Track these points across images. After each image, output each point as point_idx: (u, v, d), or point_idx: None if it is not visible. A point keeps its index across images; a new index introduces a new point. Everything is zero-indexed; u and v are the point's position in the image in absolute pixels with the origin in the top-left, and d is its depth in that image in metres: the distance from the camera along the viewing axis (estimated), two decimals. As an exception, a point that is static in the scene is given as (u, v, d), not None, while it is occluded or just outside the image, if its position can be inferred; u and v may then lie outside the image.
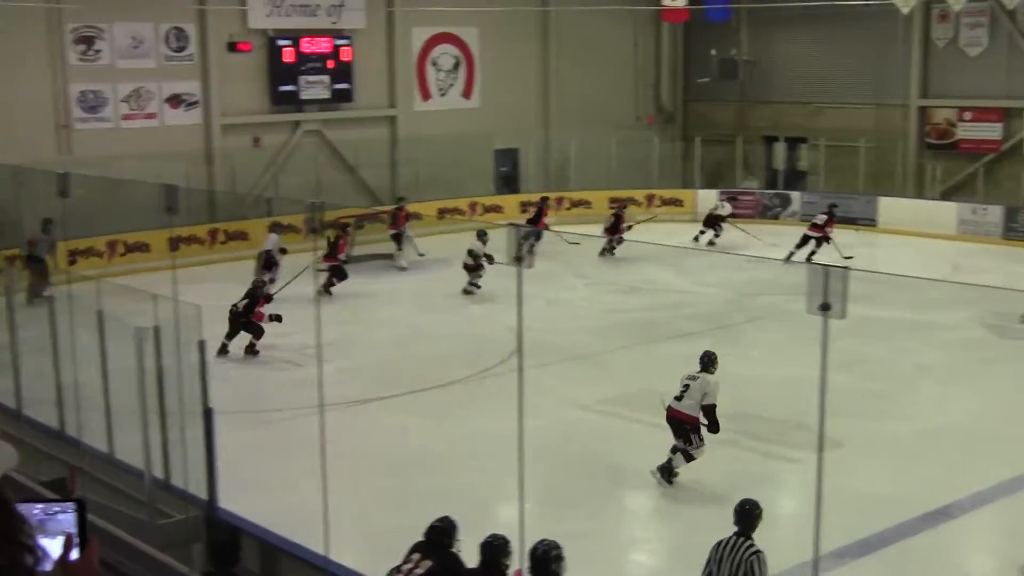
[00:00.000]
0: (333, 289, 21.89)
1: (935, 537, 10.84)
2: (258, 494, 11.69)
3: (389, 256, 25.36)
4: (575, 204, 32.34)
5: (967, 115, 32.14)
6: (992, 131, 31.66)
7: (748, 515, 8.48)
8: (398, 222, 25.11)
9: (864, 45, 33.70)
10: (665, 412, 12.27)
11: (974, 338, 18.22)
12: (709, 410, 12.11)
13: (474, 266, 21.69)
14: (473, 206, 30.83)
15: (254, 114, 28.57)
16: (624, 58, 35.68)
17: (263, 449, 13.53)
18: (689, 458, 12.28)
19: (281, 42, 28.41)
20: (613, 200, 29.60)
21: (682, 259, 25.70)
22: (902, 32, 32.64)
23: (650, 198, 32.45)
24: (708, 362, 12.43)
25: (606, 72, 34.78)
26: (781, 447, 13.27)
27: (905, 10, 30.62)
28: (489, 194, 32.01)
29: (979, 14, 31.32)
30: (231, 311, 17.80)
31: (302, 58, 28.68)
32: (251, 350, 17.98)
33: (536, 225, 25.68)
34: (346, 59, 29.42)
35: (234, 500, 10.34)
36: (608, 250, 26.29)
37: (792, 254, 25.35)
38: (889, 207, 30.74)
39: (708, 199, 31.81)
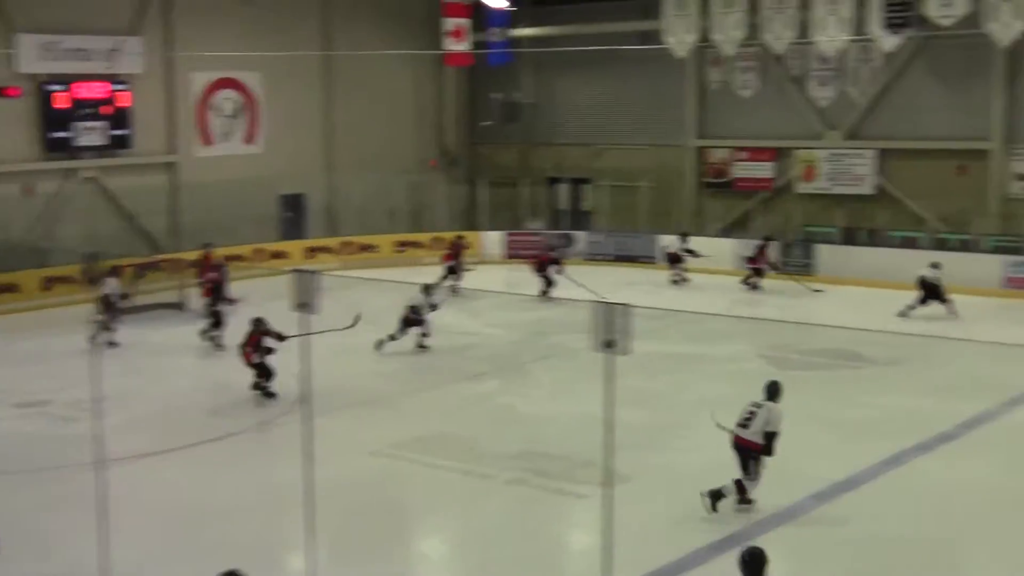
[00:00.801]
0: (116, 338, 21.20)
1: (724, 564, 11.01)
2: (34, 554, 11.17)
3: (174, 305, 24.68)
4: (362, 248, 32.12)
5: (742, 155, 33.20)
6: (765, 170, 32.79)
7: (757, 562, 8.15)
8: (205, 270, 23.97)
9: (643, 88, 34.60)
10: (731, 438, 12.48)
11: (754, 369, 18.71)
12: (770, 436, 12.29)
13: (415, 320, 21.00)
14: (258, 252, 30.37)
15: (24, 161, 27.47)
16: (408, 102, 35.80)
17: (39, 508, 12.92)
18: (743, 499, 12.33)
19: (53, 87, 27.45)
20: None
21: (470, 301, 25.80)
22: (678, 75, 33.59)
23: (436, 241, 32.46)
24: (774, 391, 12.64)
25: (391, 116, 34.82)
26: (570, 483, 13.34)
27: (681, 54, 31.58)
28: (274, 240, 31.54)
29: (750, 58, 32.42)
30: None
31: (77, 104, 27.77)
32: None
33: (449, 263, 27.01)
34: (123, 104, 28.62)
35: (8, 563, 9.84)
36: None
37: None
38: (667, 245, 31.42)
39: (494, 240, 32.11)
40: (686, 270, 28.94)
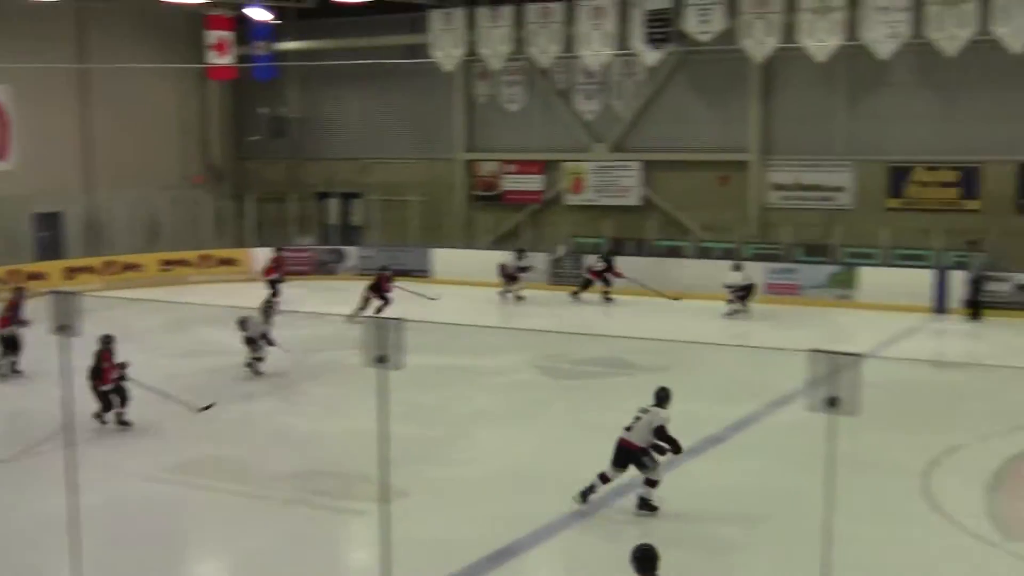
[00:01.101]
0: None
1: (503, 575, 11.02)
2: None
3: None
4: (126, 268, 31.10)
5: (511, 168, 33.53)
6: (534, 183, 33.19)
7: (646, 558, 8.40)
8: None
9: (412, 102, 34.62)
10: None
11: (527, 380, 18.84)
12: (661, 431, 12.56)
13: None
14: (12, 274, 29.03)
15: None
16: (171, 116, 34.99)
17: None
18: (653, 482, 12.59)
19: None
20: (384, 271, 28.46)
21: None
22: (447, 89, 33.72)
23: (204, 258, 31.74)
24: (663, 397, 12.84)
25: (153, 131, 33.98)
26: (348, 501, 13.13)
27: (448, 68, 31.70)
28: (29, 261, 30.18)
29: (516, 72, 32.82)
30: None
31: None
32: None
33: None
34: None
35: None
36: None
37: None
38: (442, 258, 31.57)
39: (264, 257, 31.54)
40: (521, 288, 28.43)
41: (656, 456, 12.66)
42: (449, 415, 17.08)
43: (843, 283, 27.04)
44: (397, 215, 33.30)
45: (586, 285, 28.06)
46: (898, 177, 28.77)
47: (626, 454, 12.70)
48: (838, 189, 29.49)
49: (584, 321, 25.19)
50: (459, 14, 31.13)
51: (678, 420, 16.39)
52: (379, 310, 24.03)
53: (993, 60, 26.06)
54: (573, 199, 32.71)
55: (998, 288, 25.57)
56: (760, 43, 27.56)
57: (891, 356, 21.05)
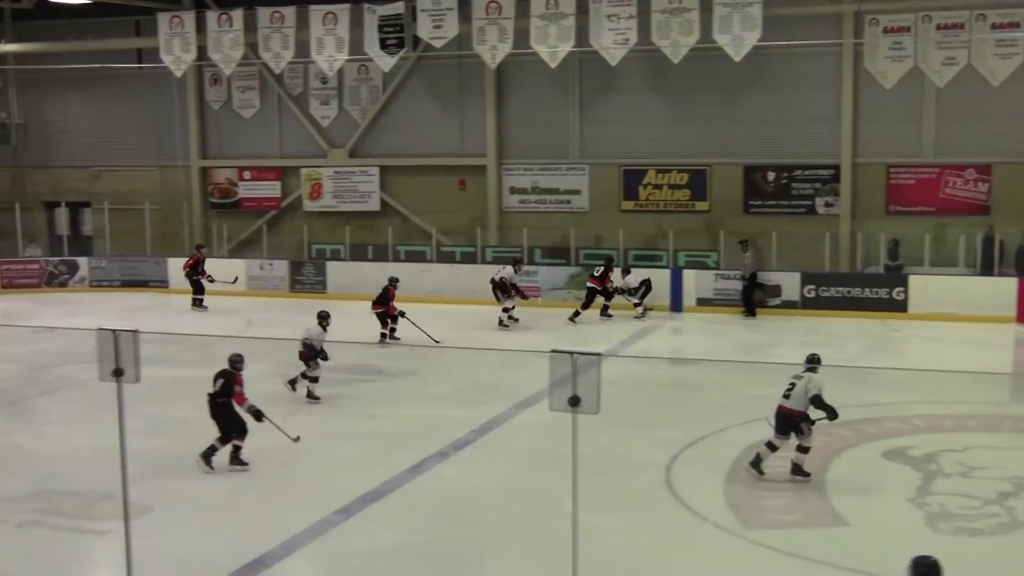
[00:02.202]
0: None
1: (253, 589, 10.80)
2: None
3: None
4: None
5: (247, 174, 33.00)
6: (272, 189, 32.76)
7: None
8: None
9: (143, 107, 33.69)
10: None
11: (273, 390, 18.51)
12: (817, 399, 13.09)
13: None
14: None
15: None
16: None
17: None
18: (805, 449, 13.42)
19: None
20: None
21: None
22: (178, 95, 32.92)
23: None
24: (815, 361, 13.60)
25: None
26: (89, 520, 12.59)
27: (178, 73, 30.93)
28: None
29: (249, 77, 32.36)
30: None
31: None
32: None
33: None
34: None
35: None
36: None
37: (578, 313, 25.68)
38: (179, 267, 30.69)
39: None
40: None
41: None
42: (193, 428, 16.59)
43: (582, 284, 27.60)
44: (131, 224, 32.25)
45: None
46: (631, 179, 29.66)
47: (787, 420, 13.27)
48: (574, 192, 30.18)
49: (331, 328, 24.89)
50: (188, 17, 30.37)
51: (425, 425, 16.53)
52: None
53: (717, 67, 27.11)
54: (312, 205, 32.43)
55: (729, 285, 26.60)
56: (493, 49, 27.87)
57: (630, 355, 21.63)
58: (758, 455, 13.62)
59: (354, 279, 28.96)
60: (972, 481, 13.39)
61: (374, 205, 31.76)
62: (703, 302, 26.62)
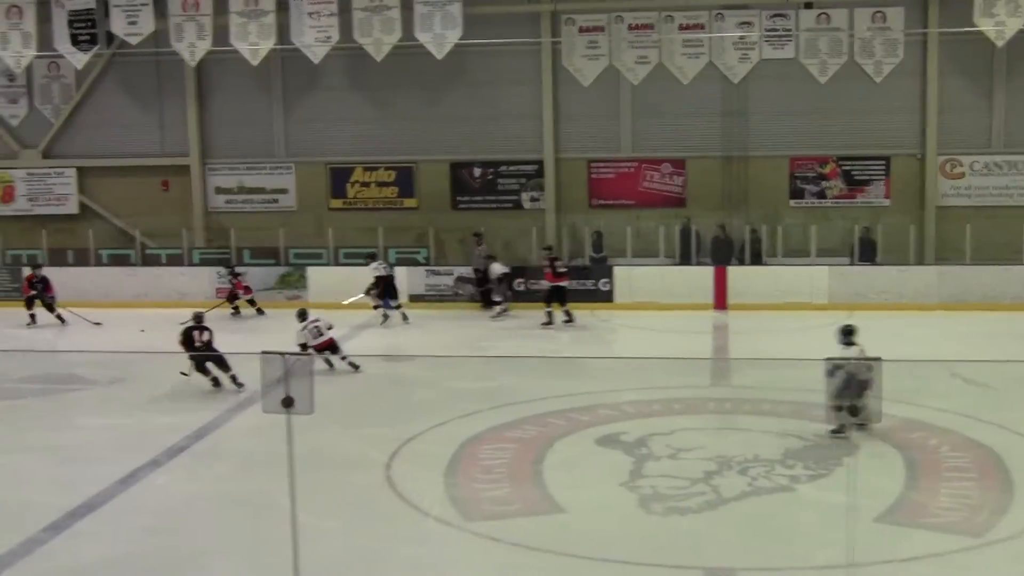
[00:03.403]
0: None
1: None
2: None
3: None
4: None
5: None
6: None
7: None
8: None
9: None
10: None
11: None
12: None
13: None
14: None
15: None
16: None
17: None
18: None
19: None
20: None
21: None
22: None
23: None
24: (850, 332, 14.68)
25: None
26: None
27: None
28: None
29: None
30: None
31: None
32: None
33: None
34: None
35: None
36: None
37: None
38: None
39: None
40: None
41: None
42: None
43: (293, 284, 27.33)
44: None
45: None
46: (339, 178, 29.53)
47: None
48: (281, 191, 29.82)
49: (30, 338, 23.77)
50: None
51: (135, 434, 15.98)
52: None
53: (420, 65, 27.26)
54: (4, 209, 30.89)
55: (440, 281, 26.84)
56: (192, 46, 27.22)
57: (343, 353, 21.52)
58: (842, 425, 14.48)
59: (56, 286, 27.73)
60: (680, 462, 13.90)
61: (72, 208, 30.52)
62: (416, 298, 26.73)
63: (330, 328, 19.59)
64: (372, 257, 25.56)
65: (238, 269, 26.78)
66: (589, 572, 10.84)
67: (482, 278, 26.46)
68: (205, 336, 18.25)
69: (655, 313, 25.35)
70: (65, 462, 14.75)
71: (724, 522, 11.99)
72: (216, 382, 18.10)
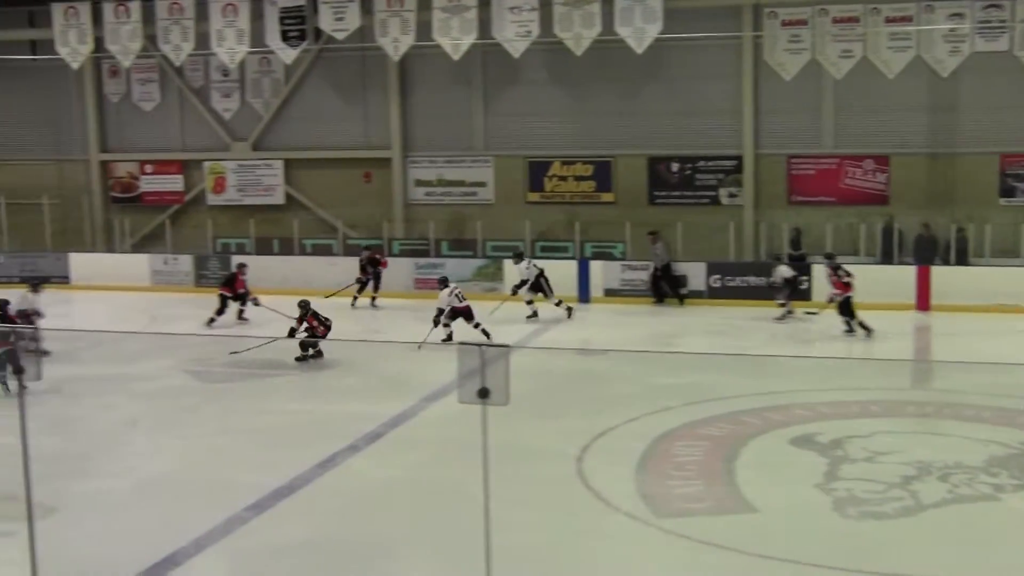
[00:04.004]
0: None
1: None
2: None
3: None
4: None
5: (148, 168, 32.52)
6: (174, 183, 32.33)
7: None
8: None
9: (39, 100, 33.08)
10: None
11: (177, 385, 18.28)
12: None
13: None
14: None
15: None
16: None
17: None
18: None
19: None
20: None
21: None
22: (75, 87, 32.37)
23: None
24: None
25: None
26: (-9, 522, 12.34)
27: (75, 65, 30.35)
28: None
29: (149, 70, 31.92)
30: None
31: None
32: None
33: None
34: None
35: None
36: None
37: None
38: (81, 263, 30.26)
39: None
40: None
41: None
42: (96, 426, 16.36)
43: (489, 276, 27.63)
44: (29, 219, 31.61)
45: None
46: (536, 171, 29.72)
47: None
48: (480, 184, 30.17)
49: (230, 323, 24.57)
50: (84, 8, 29.76)
51: (335, 419, 16.43)
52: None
53: (619, 59, 27.24)
54: (215, 199, 32.05)
55: (636, 276, 26.79)
56: (396, 41, 27.74)
57: (539, 346, 21.70)
58: None
59: (260, 273, 28.66)
60: (877, 466, 13.61)
61: (279, 199, 31.48)
62: (611, 292, 26.75)
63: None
64: (520, 256, 25.53)
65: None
66: (779, 573, 10.71)
67: (659, 276, 26.35)
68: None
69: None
70: (268, 445, 15.27)
71: (922, 529, 11.70)
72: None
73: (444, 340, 20.51)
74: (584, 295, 26.59)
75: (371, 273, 26.52)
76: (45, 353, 16.44)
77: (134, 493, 13.36)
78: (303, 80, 31.09)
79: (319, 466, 14.00)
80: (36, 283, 19.22)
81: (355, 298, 26.34)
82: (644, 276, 26.71)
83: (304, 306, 20.08)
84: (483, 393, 9.10)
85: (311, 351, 20.11)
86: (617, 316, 25.26)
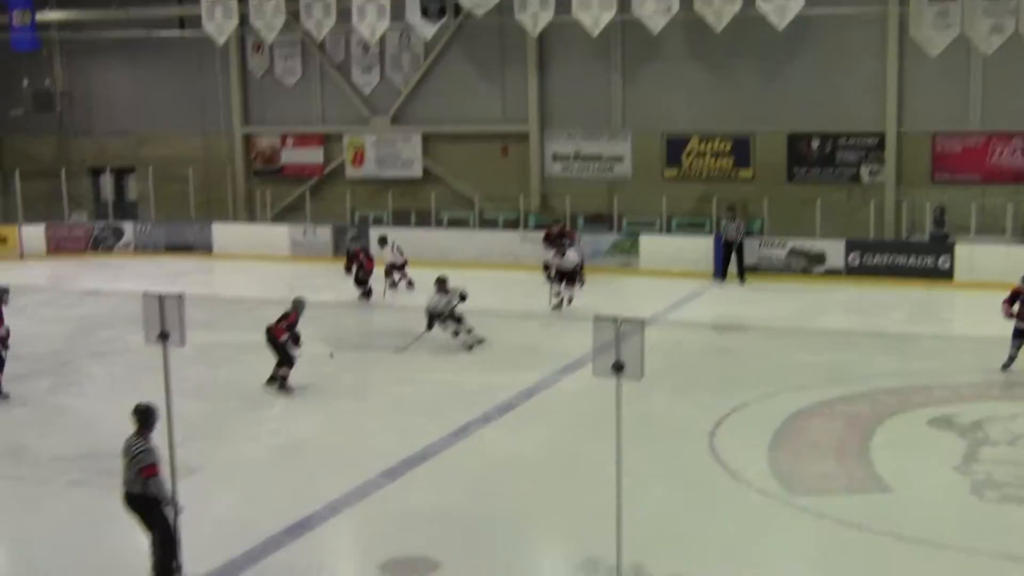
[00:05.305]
0: None
1: (299, 548, 10.86)
2: None
3: None
4: None
5: (290, 141, 33.07)
6: (314, 156, 32.83)
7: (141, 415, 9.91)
8: None
9: (184, 74, 33.79)
10: None
11: (316, 353, 18.60)
12: None
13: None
14: None
15: None
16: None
17: None
18: None
19: None
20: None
21: (11, 299, 24.18)
22: (220, 62, 33.04)
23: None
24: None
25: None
26: (135, 482, 12.72)
27: (220, 41, 30.95)
28: None
29: (291, 45, 32.40)
30: None
31: None
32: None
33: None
34: None
35: None
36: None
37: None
38: (223, 233, 30.98)
39: (34, 235, 30.55)
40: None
41: None
42: (238, 390, 16.75)
43: (625, 251, 27.56)
44: (175, 190, 32.45)
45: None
46: (674, 147, 29.50)
47: None
48: (617, 159, 30.07)
49: (377, 295, 24.89)
50: (230, -15, 30.35)
51: (469, 389, 16.58)
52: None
53: (760, 35, 26.85)
54: (354, 172, 32.48)
55: (773, 253, 26.49)
56: (535, 16, 27.70)
57: (674, 321, 21.60)
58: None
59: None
60: (1019, 449, 13.31)
61: (416, 172, 31.78)
62: (749, 269, 26.38)
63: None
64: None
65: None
66: (913, 554, 10.54)
67: (730, 251, 26.15)
68: None
69: (998, 294, 24.14)
70: (403, 413, 15.48)
71: (1065, 515, 11.41)
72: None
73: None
74: (720, 271, 26.34)
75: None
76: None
77: (273, 456, 13.67)
78: (442, 55, 31.29)
79: (452, 435, 14.16)
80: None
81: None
82: (781, 253, 26.39)
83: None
84: (617, 367, 9.10)
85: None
86: (753, 292, 25.00)
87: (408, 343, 19.17)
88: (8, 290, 16.91)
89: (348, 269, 24.58)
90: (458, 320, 19.30)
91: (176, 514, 9.87)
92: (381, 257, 25.07)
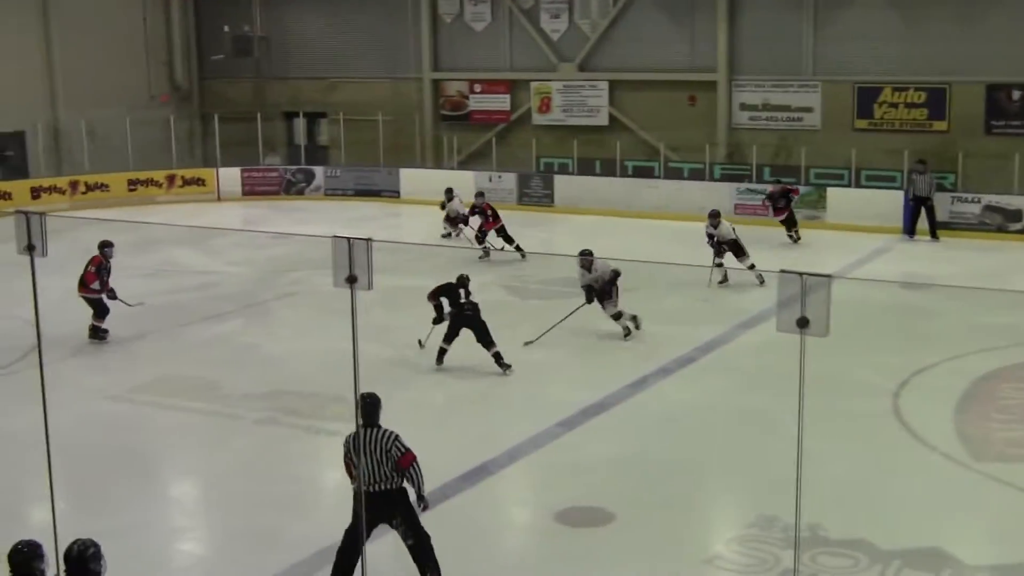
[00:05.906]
0: None
1: (477, 494, 11.06)
2: None
3: None
4: (91, 188, 30.76)
5: (477, 87, 33.29)
6: (501, 102, 32.99)
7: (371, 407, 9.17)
8: None
9: (376, 20, 34.26)
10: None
11: (495, 300, 18.80)
12: None
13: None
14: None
15: None
16: (134, 34, 34.38)
17: None
18: None
19: None
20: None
21: (206, 239, 25.09)
22: (411, 7, 33.39)
23: (171, 179, 31.57)
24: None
25: (116, 48, 33.40)
26: (321, 421, 13.13)
27: (412, -15, 31.26)
28: (-7, 180, 29.88)
29: (481, -9, 32.57)
30: None
31: None
32: None
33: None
34: None
35: None
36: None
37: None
38: (410, 178, 31.47)
39: (230, 177, 31.48)
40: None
41: None
42: (419, 336, 17.03)
43: (812, 204, 27.05)
44: (364, 135, 33.03)
45: None
46: (866, 98, 28.72)
47: None
48: (806, 110, 29.44)
49: (546, 242, 25.02)
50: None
51: (649, 341, 16.56)
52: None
53: (960, -20, 25.94)
54: (540, 119, 32.55)
55: (967, 209, 25.68)
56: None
57: (861, 277, 21.16)
58: None
59: (581, 193, 29.09)
60: None
61: (602, 120, 31.68)
62: (940, 225, 25.60)
63: None
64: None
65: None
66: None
67: (918, 207, 25.31)
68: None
69: None
70: (581, 363, 15.57)
71: None
72: None
73: None
74: (909, 227, 25.64)
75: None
76: None
77: (452, 403, 13.91)
78: (631, 1, 31.02)
79: (630, 386, 14.21)
80: None
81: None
82: (976, 209, 25.56)
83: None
84: (802, 323, 8.96)
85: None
86: (944, 250, 24.30)
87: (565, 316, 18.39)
88: (112, 244, 17.23)
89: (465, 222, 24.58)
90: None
91: (423, 508, 9.24)
92: (451, 207, 25.02)
